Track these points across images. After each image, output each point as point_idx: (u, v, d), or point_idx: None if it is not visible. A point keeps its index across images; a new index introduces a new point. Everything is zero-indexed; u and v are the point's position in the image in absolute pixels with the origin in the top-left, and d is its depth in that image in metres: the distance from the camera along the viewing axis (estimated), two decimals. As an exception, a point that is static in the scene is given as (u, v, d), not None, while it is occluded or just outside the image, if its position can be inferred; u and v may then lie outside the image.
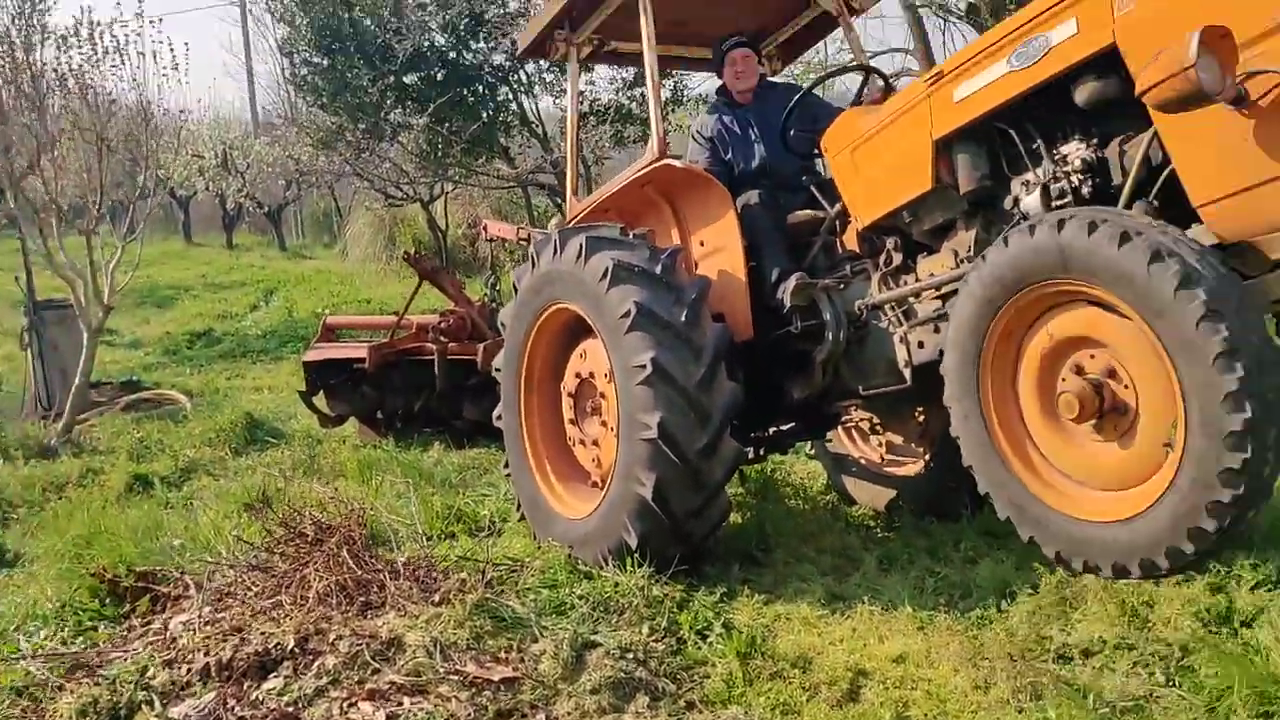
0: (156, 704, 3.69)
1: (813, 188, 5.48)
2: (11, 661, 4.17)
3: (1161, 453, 3.29)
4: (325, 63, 16.19)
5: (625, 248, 5.08)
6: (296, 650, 3.91)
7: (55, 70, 10.45)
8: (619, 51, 6.52)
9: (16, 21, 10.63)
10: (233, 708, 3.60)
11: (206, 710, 3.60)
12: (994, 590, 4.48)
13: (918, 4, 13.59)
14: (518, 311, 5.73)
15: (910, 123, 4.49)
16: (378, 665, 3.76)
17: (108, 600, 4.96)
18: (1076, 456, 3.61)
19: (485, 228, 9.12)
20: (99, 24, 10.94)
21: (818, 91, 5.96)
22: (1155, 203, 3.70)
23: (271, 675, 3.81)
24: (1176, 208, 3.59)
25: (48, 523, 7.07)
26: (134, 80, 10.97)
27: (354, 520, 4.73)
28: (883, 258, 4.87)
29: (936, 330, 4.51)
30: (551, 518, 5.48)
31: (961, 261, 4.46)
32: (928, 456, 6.02)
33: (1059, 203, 4.00)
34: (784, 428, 6.08)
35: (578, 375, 5.45)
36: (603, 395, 5.25)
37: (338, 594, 4.28)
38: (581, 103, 17.11)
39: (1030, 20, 3.97)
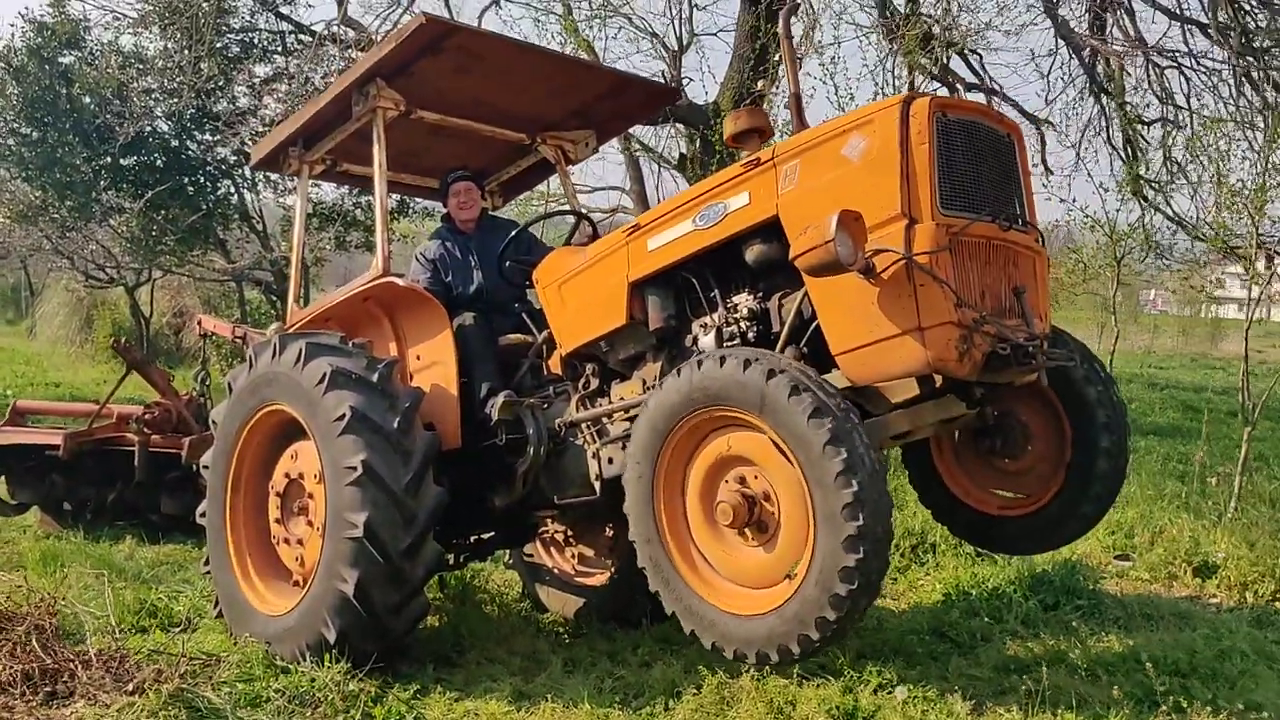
0: None
1: (524, 314, 5.99)
2: None
3: (799, 551, 3.89)
4: (35, 135, 15.49)
5: (344, 355, 5.38)
6: (-26, 739, 3.87)
7: None
8: (349, 172, 6.85)
9: None
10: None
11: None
12: (664, 691, 5.02)
13: (635, 151, 14.70)
14: (230, 410, 5.85)
15: (611, 265, 5.08)
16: (65, 754, 3.79)
17: None
18: (730, 557, 4.17)
19: (200, 322, 9.06)
20: None
21: (534, 229, 6.51)
22: (805, 349, 4.40)
23: (-54, 765, 3.77)
24: (821, 354, 4.30)
25: None
26: None
27: (44, 609, 4.69)
28: (582, 381, 5.38)
29: (624, 448, 5.04)
30: (250, 614, 5.57)
31: (649, 388, 5.02)
32: (614, 568, 6.53)
33: (729, 343, 4.66)
34: (485, 536, 6.44)
35: (287, 475, 5.62)
36: (311, 495, 5.45)
37: (22, 683, 4.24)
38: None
39: (713, 189, 4.68)
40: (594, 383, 5.34)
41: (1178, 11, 13.67)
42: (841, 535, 3.68)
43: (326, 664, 4.93)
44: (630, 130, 12.40)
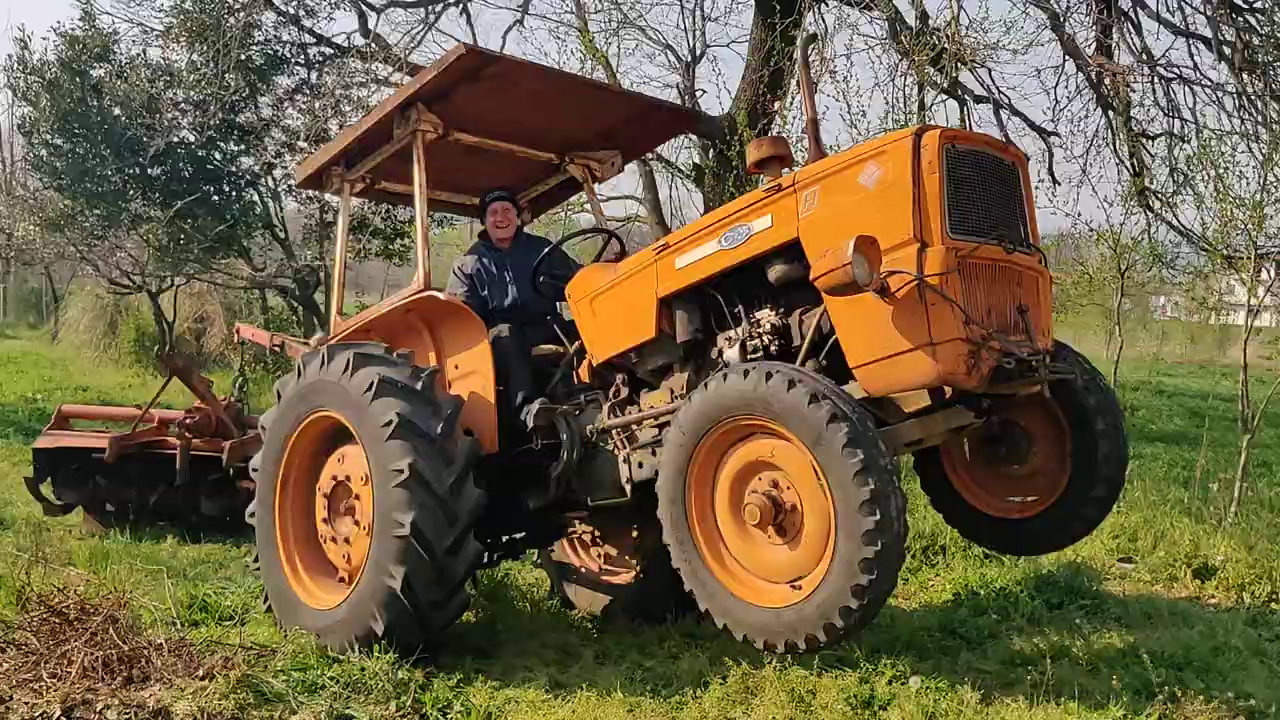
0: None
1: (555, 326, 6.33)
2: None
3: (821, 546, 4.23)
4: (66, 146, 15.91)
5: (390, 364, 5.73)
6: (63, 719, 4.22)
7: None
8: (387, 190, 7.21)
9: None
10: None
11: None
12: (691, 680, 5.37)
13: (649, 162, 15.06)
14: (280, 416, 6.21)
15: (640, 282, 5.43)
16: (148, 732, 4.14)
17: None
18: (758, 555, 4.50)
19: (238, 330, 9.43)
20: None
21: (565, 246, 6.87)
22: (824, 361, 4.75)
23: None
24: (839, 367, 4.64)
25: None
26: None
27: (115, 601, 5.05)
28: (612, 390, 5.72)
29: (654, 453, 5.37)
30: (299, 608, 5.92)
31: (677, 397, 5.36)
32: (640, 567, 6.87)
33: (752, 355, 5.00)
34: (517, 536, 6.79)
35: (334, 478, 5.97)
36: (358, 497, 5.80)
37: (101, 669, 4.59)
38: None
39: (738, 211, 5.02)
40: (624, 391, 5.68)
41: (1183, 27, 14.01)
42: (861, 529, 4.01)
43: (376, 654, 5.27)
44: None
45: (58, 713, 4.23)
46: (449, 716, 4.86)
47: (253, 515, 6.34)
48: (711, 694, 5.13)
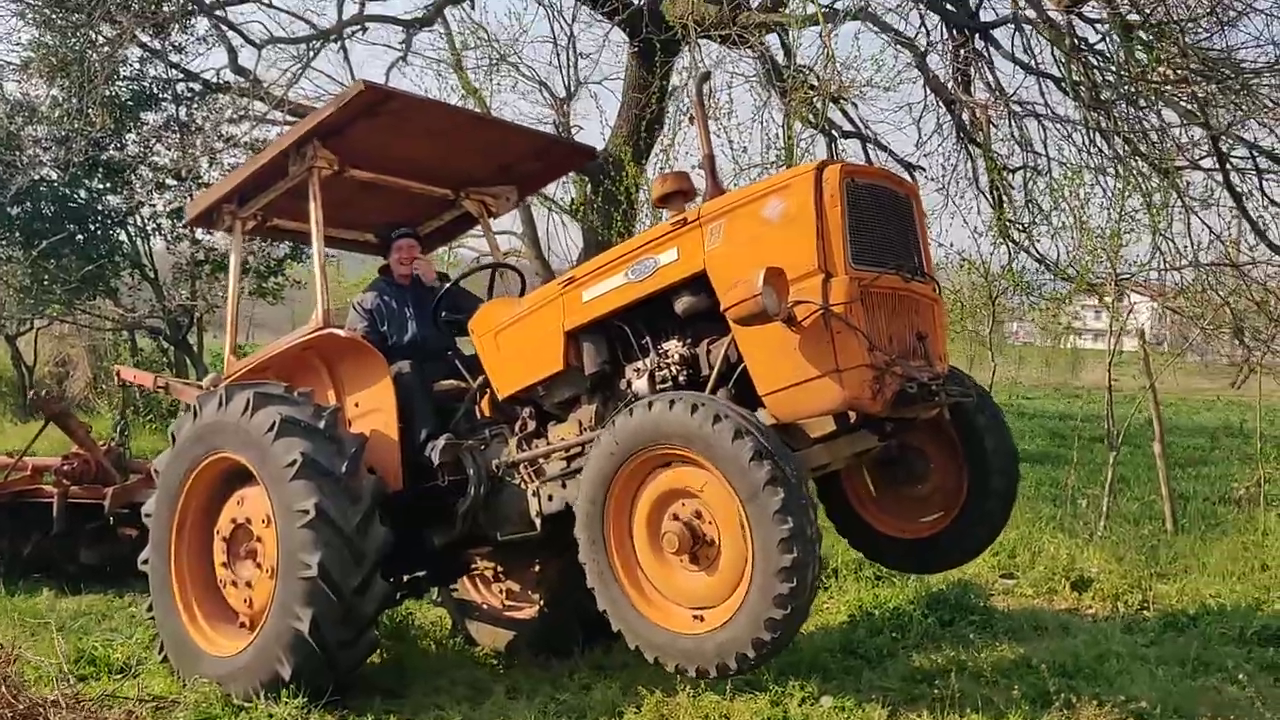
0: None
1: (457, 361, 6.32)
2: None
3: (737, 577, 4.32)
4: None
5: (291, 404, 5.65)
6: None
7: None
8: (280, 227, 7.10)
9: None
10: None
11: None
12: (606, 710, 5.40)
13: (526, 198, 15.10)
14: (174, 459, 6.04)
15: (547, 315, 5.47)
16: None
17: None
18: (674, 582, 4.57)
19: (119, 373, 9.09)
20: None
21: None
22: (733, 390, 4.86)
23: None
24: (748, 395, 4.76)
25: None
26: None
27: (6, 658, 4.83)
28: (519, 424, 5.73)
29: (564, 485, 5.40)
30: (199, 657, 5.75)
31: (585, 429, 5.40)
32: (542, 601, 6.86)
33: (661, 387, 5.08)
34: (419, 574, 6.72)
35: (234, 520, 5.83)
36: (259, 539, 5.68)
37: (-6, 729, 4.39)
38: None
39: (644, 245, 5.12)
40: (531, 425, 5.69)
41: (1034, 66, 14.76)
42: (778, 565, 4.12)
43: (284, 699, 5.15)
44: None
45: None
46: (363, 761, 4.77)
47: (145, 562, 6.14)
48: (627, 722, 5.17)
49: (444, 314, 6.38)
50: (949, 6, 13.88)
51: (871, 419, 4.73)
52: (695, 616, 4.47)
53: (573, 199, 15.67)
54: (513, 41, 17.80)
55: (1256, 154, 11.99)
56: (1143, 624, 7.14)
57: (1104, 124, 13.54)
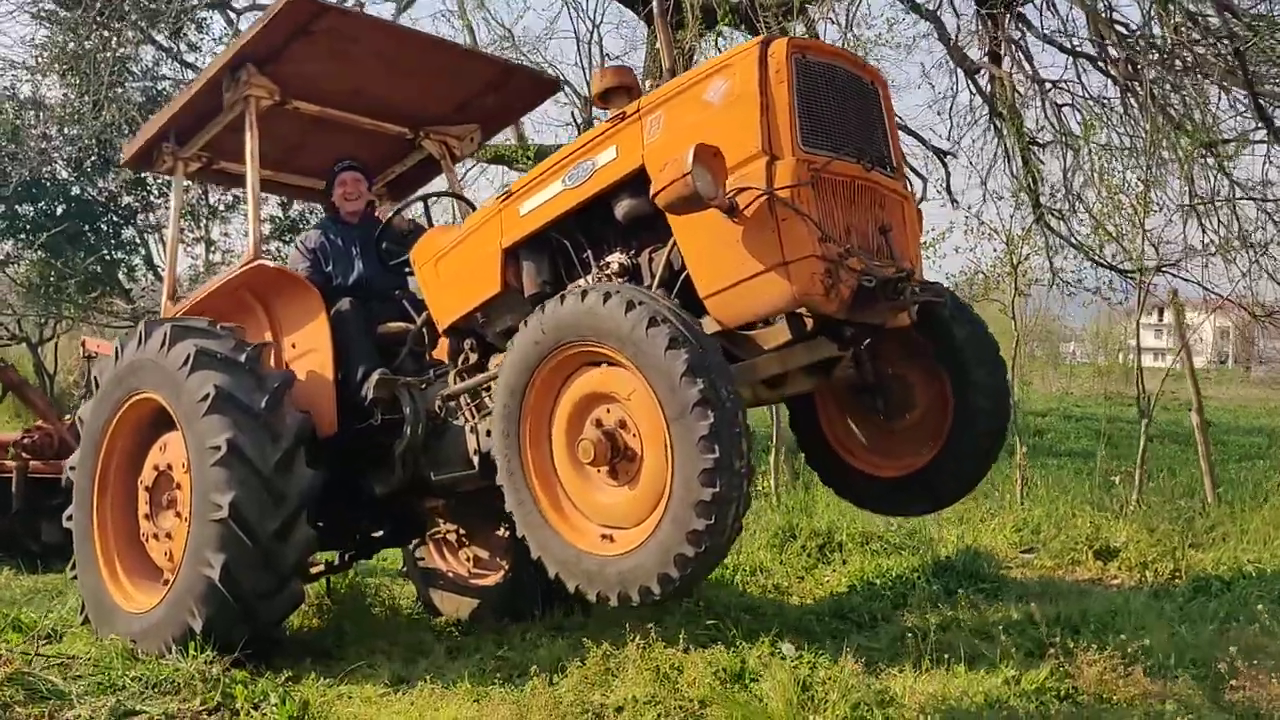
0: None
1: (405, 303, 5.85)
2: None
3: (654, 501, 3.77)
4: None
5: (211, 337, 5.20)
6: None
7: None
8: (227, 171, 6.66)
9: None
10: None
11: None
12: (548, 667, 4.85)
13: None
14: (97, 406, 5.63)
15: (484, 235, 4.97)
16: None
17: None
18: (588, 495, 4.02)
19: (84, 344, 8.76)
20: None
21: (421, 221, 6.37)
22: (677, 300, 4.31)
23: None
24: (693, 304, 4.21)
25: None
26: None
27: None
28: (460, 358, 5.23)
29: None
30: (114, 614, 5.31)
31: None
32: (507, 566, 6.34)
33: None
34: (375, 535, 6.23)
35: (155, 468, 5.40)
36: (179, 486, 5.23)
37: None
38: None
39: (581, 147, 4.61)
40: (473, 358, 5.18)
41: (1069, 47, 14.17)
42: (698, 469, 3.54)
43: (190, 654, 4.67)
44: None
45: None
46: (264, 711, 4.26)
47: (69, 519, 5.72)
48: (570, 678, 4.63)
49: (393, 251, 5.88)
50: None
51: (829, 323, 4.16)
52: (604, 536, 3.91)
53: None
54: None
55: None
56: (1172, 590, 6.46)
57: (1140, 98, 12.93)
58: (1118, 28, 13.12)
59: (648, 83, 12.24)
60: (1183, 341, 8.60)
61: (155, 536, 5.37)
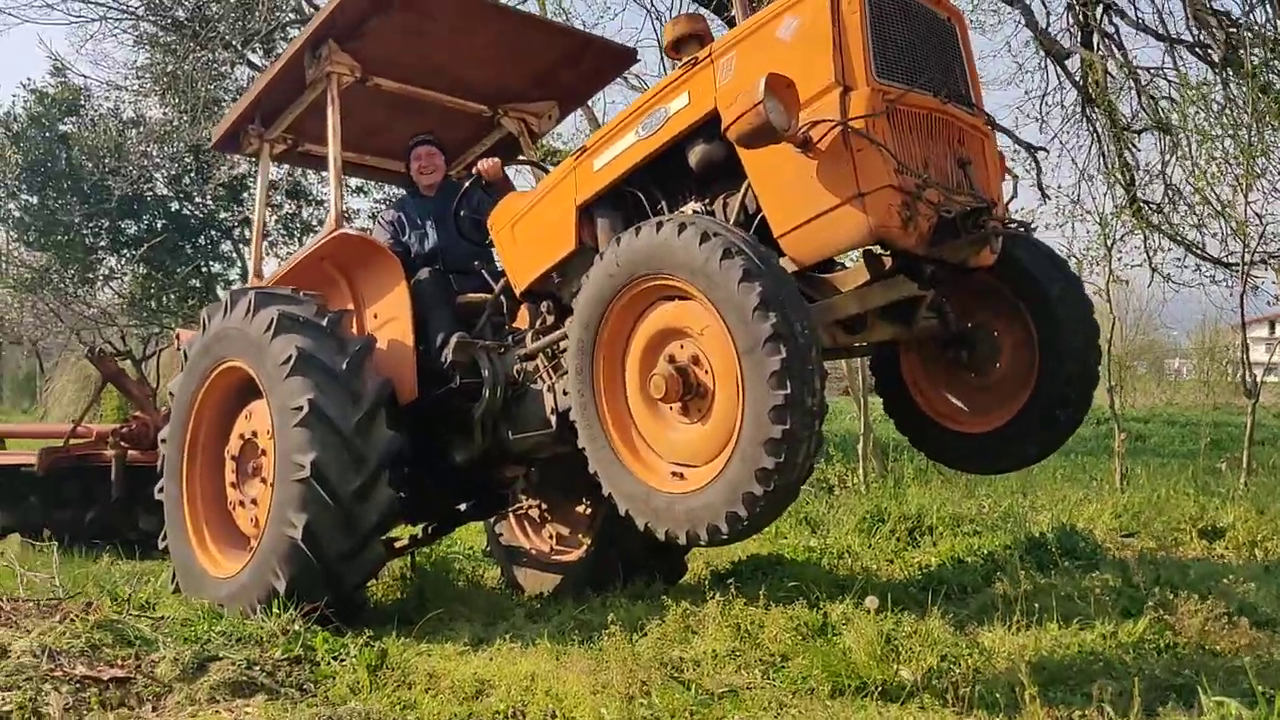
0: None
1: (484, 272, 5.86)
2: None
3: (725, 439, 3.67)
4: (35, 200, 15.67)
5: (293, 302, 5.28)
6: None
7: None
8: (311, 153, 6.76)
9: None
10: None
11: None
12: (627, 626, 4.75)
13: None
14: (186, 377, 5.74)
15: (559, 194, 4.95)
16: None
17: None
18: (660, 431, 3.93)
19: (178, 335, 8.95)
20: None
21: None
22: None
23: None
24: (769, 247, 4.12)
25: None
26: None
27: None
28: (539, 321, 5.22)
29: None
30: (203, 580, 5.39)
31: None
32: (589, 543, 6.30)
33: None
34: (460, 507, 6.24)
35: (241, 436, 5.48)
36: (263, 453, 5.29)
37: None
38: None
39: (654, 95, 4.56)
40: (550, 320, 5.17)
41: (1165, 34, 13.82)
42: (768, 405, 3.44)
43: (274, 613, 4.70)
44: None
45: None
46: (343, 660, 4.26)
47: (161, 490, 5.83)
48: (647, 638, 4.55)
49: (472, 221, 5.89)
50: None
51: (908, 261, 4.04)
52: (675, 473, 3.82)
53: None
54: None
55: None
56: (1284, 568, 6.14)
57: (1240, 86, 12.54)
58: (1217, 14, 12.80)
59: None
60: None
61: (242, 504, 5.44)
